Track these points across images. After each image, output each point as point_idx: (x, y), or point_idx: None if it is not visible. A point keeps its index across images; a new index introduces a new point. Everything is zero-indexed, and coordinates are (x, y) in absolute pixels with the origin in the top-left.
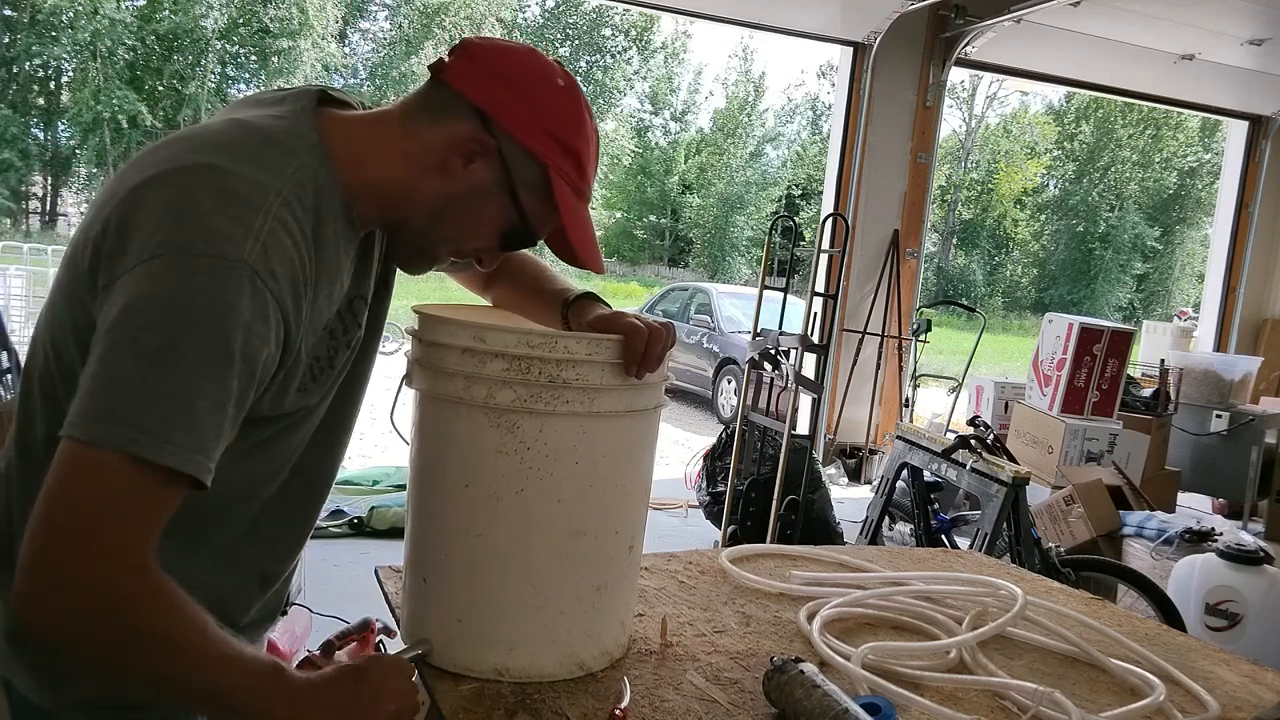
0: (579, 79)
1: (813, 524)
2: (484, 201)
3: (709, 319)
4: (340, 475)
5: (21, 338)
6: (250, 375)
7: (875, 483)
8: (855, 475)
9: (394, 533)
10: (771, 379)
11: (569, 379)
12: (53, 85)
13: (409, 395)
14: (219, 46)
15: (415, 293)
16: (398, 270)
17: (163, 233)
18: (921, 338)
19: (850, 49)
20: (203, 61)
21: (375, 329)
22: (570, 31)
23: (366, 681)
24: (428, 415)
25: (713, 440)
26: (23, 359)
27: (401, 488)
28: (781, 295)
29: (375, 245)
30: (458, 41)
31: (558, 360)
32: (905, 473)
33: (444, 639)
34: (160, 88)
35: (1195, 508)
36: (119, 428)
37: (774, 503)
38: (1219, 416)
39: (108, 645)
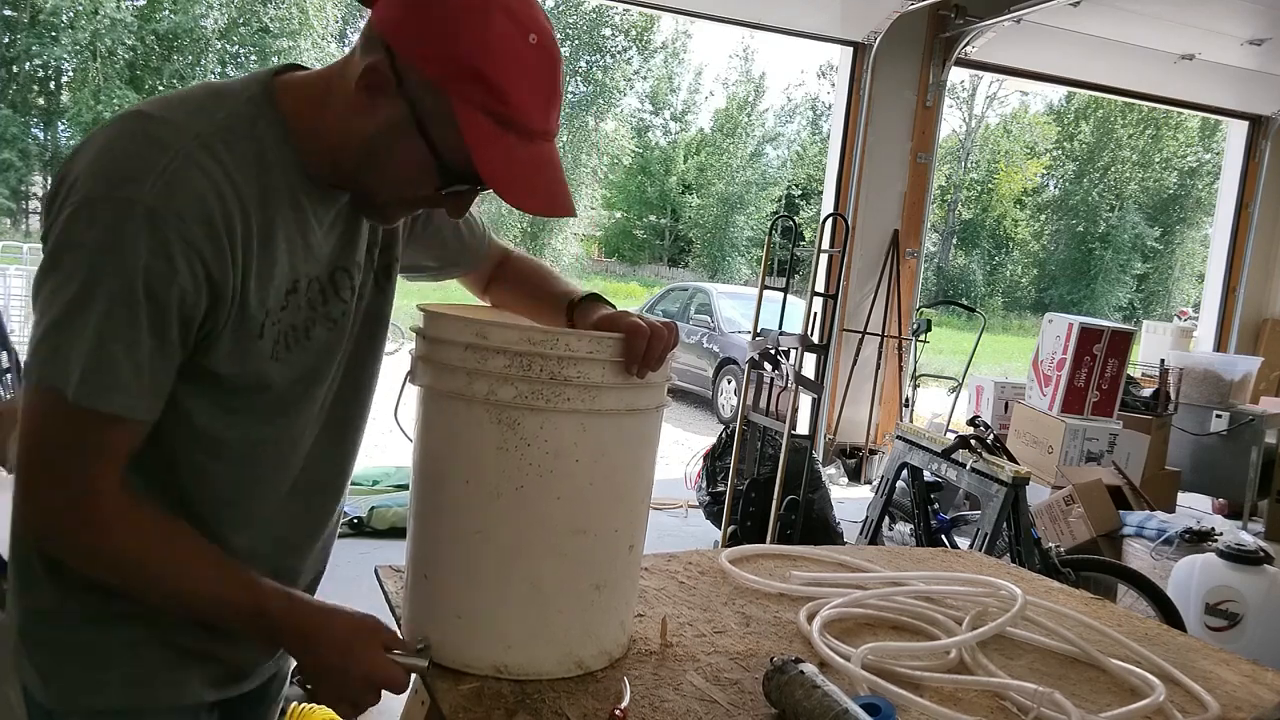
0: (579, 79)
1: (813, 524)
2: (399, 139)
3: (709, 319)
4: None
5: (21, 338)
6: (162, 313)
7: (875, 483)
8: (855, 475)
9: (394, 533)
10: (771, 379)
11: (570, 376)
12: (53, 85)
13: (411, 394)
14: (219, 46)
15: (418, 293)
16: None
17: (80, 182)
18: (921, 338)
19: (850, 49)
20: (203, 61)
21: (378, 325)
22: (570, 31)
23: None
24: (430, 412)
25: (713, 440)
26: (23, 359)
27: (402, 488)
28: (781, 295)
29: (364, 222)
30: None
31: (559, 357)
32: (905, 473)
33: (443, 635)
34: (160, 87)
35: (1195, 508)
36: (50, 369)
37: (774, 503)
38: (1219, 416)
39: (99, 566)
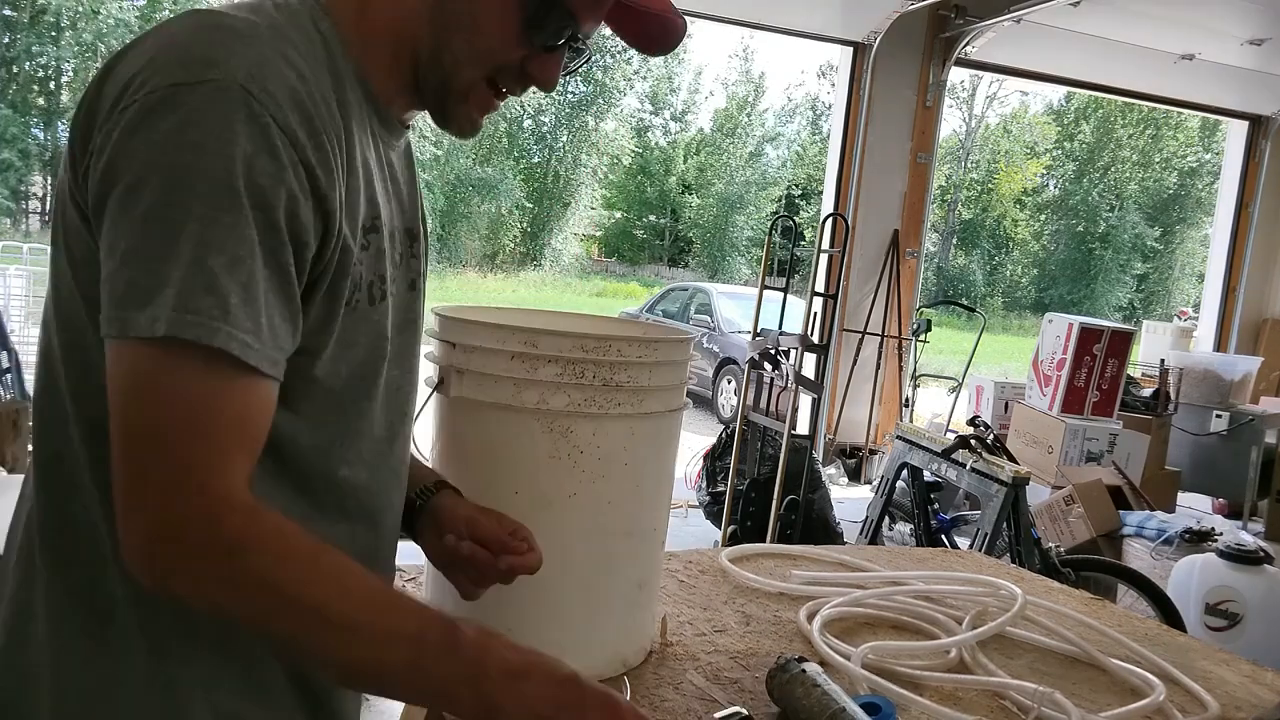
0: (579, 79)
1: (813, 524)
2: None
3: (709, 319)
4: None
5: (21, 337)
6: (272, 227)
7: (875, 483)
8: (855, 475)
9: None
10: (771, 379)
11: (621, 381)
12: (53, 85)
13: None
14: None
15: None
16: None
17: (143, 77)
18: (921, 338)
19: (850, 49)
20: None
21: (418, 318)
22: None
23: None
24: (464, 422)
25: (713, 440)
26: (23, 359)
27: None
28: (781, 295)
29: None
30: None
31: (611, 363)
32: (905, 473)
33: None
34: None
35: (1195, 508)
36: (131, 311)
37: (774, 503)
38: (1219, 416)
39: (233, 599)
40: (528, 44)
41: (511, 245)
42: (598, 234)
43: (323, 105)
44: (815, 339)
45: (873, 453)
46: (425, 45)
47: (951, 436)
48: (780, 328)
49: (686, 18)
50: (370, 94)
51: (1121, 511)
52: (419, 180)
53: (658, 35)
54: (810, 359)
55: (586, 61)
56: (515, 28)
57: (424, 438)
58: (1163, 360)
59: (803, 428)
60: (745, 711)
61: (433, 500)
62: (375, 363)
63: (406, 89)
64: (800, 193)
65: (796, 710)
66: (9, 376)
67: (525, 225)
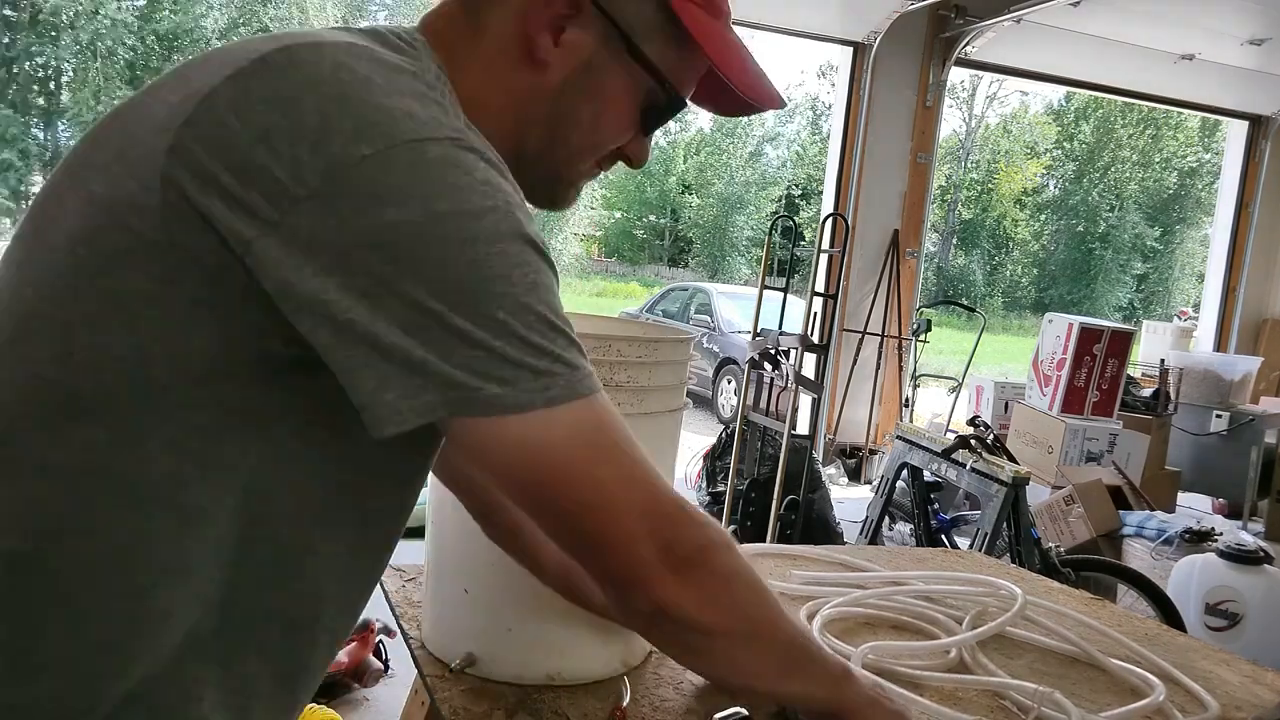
0: None
1: (813, 524)
2: (599, 77)
3: (709, 319)
4: None
5: None
6: (550, 271)
7: (875, 483)
8: (855, 475)
9: None
10: (771, 379)
11: (621, 381)
12: (53, 85)
13: None
14: (219, 46)
15: None
16: None
17: (340, 123)
18: (921, 338)
19: (850, 49)
20: None
21: None
22: None
23: None
24: None
25: (713, 440)
26: None
27: None
28: (781, 295)
29: None
30: None
31: (611, 363)
32: (905, 473)
33: (492, 649)
34: None
35: (1195, 508)
36: (548, 375)
37: (774, 503)
38: (1219, 416)
39: (720, 620)
40: (639, 132)
41: None
42: (598, 234)
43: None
44: (815, 339)
45: (873, 453)
46: (536, 137)
47: (951, 436)
48: (780, 328)
49: None
50: None
51: (1121, 511)
52: None
53: (745, 105)
54: (810, 359)
55: None
56: (633, 120)
57: None
58: (1163, 360)
59: (803, 428)
60: (745, 711)
61: None
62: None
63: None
64: (800, 193)
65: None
66: None
67: None
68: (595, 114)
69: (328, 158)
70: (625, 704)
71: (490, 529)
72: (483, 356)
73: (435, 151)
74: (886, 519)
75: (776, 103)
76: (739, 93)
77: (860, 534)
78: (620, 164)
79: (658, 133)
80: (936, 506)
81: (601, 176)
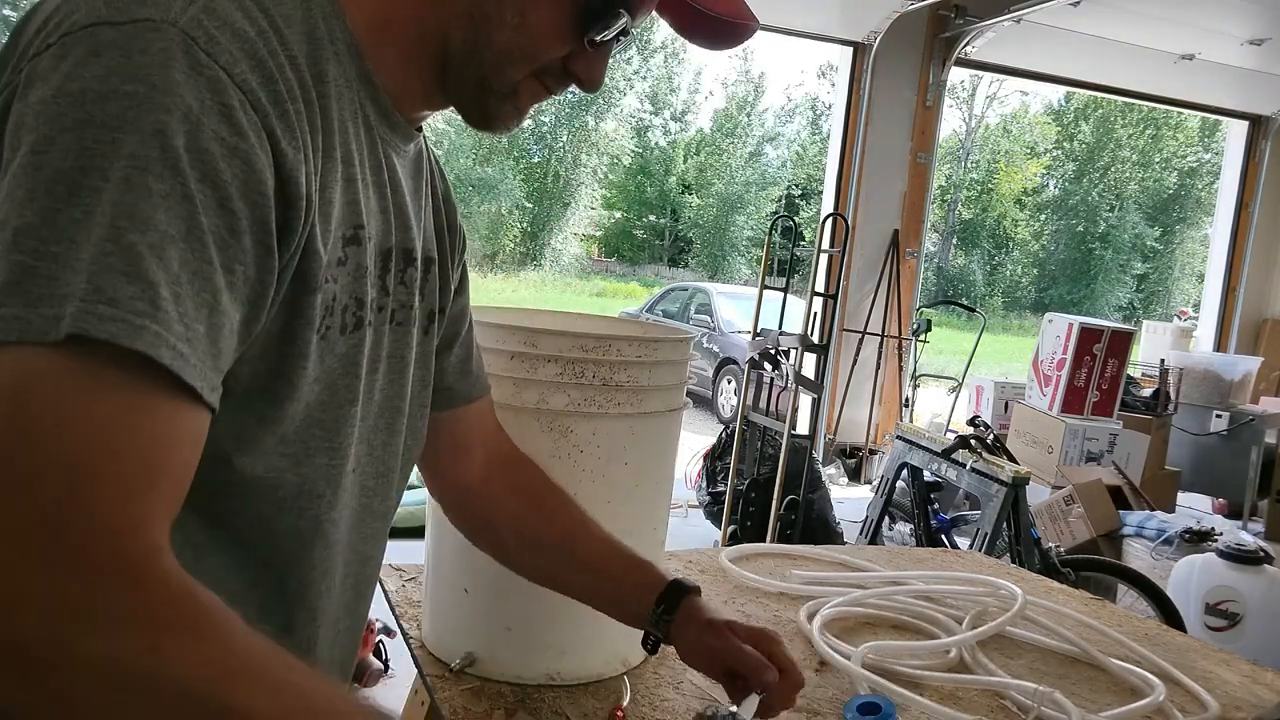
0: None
1: (813, 524)
2: None
3: (709, 319)
4: None
5: None
6: (221, 208)
7: (875, 483)
8: (855, 475)
9: (393, 532)
10: (771, 379)
11: (620, 381)
12: None
13: None
14: None
15: None
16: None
17: (57, 19)
18: (921, 338)
19: (850, 49)
20: None
21: (408, 365)
22: None
23: None
24: None
25: (713, 440)
26: None
27: None
28: (781, 295)
29: (436, 198)
30: None
31: (611, 363)
32: (905, 473)
33: (492, 649)
34: None
35: (1195, 508)
36: (18, 306)
37: (774, 503)
38: (1219, 416)
39: (139, 701)
40: (576, 40)
41: (511, 245)
42: (598, 234)
43: (289, 69)
44: (815, 339)
45: (873, 453)
46: (458, 38)
47: (951, 436)
48: (780, 328)
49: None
50: (366, 75)
51: (1121, 511)
52: (447, 203)
53: (724, 34)
54: (810, 359)
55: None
56: (565, 23)
57: None
58: (1163, 360)
59: (803, 428)
60: (736, 709)
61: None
62: (338, 408)
63: (426, 83)
64: (800, 193)
65: None
66: None
67: (525, 225)
68: (520, 10)
69: (37, 45)
70: (625, 704)
71: (460, 522)
72: None
73: (109, 35)
74: (886, 519)
75: (747, 18)
76: (699, 6)
77: (860, 534)
78: (620, 163)
79: (658, 133)
80: (936, 506)
81: (601, 174)
